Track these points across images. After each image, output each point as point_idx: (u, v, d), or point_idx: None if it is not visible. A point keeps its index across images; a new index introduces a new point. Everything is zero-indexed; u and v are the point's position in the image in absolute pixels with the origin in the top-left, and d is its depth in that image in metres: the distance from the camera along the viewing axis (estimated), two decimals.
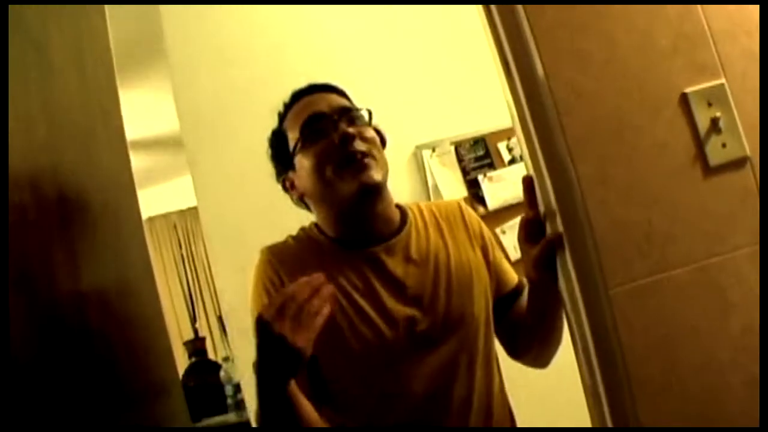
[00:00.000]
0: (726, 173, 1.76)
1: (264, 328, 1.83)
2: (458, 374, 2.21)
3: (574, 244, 1.76)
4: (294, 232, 2.40)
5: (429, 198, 4.65)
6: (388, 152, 4.58)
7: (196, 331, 10.93)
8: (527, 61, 1.80)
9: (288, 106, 2.39)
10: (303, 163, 2.26)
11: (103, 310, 1.62)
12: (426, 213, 2.45)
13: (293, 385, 1.93)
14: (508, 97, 1.90)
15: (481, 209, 4.74)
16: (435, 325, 2.21)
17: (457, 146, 4.84)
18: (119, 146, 1.75)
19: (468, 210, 2.54)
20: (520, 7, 1.78)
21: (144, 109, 6.86)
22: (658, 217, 1.73)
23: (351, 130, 2.22)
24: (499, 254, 2.49)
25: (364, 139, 2.25)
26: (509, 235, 4.61)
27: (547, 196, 1.83)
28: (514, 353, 2.49)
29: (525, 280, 2.40)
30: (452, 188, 4.73)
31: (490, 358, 2.32)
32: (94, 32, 1.79)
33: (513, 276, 2.49)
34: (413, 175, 4.76)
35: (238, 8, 4.65)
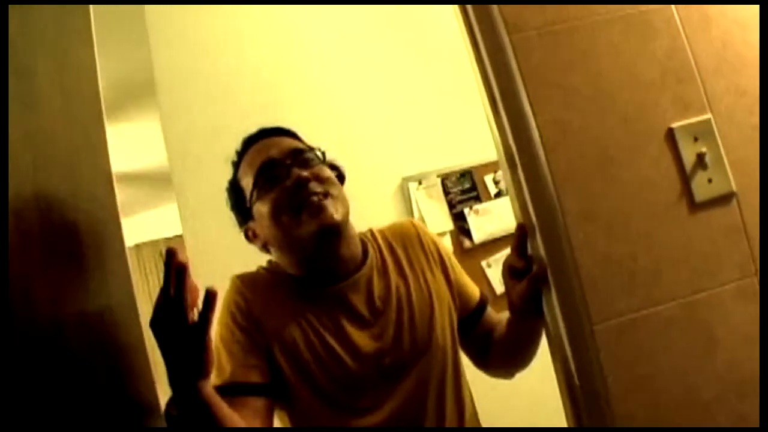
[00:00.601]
0: (712, 209, 1.76)
1: (154, 328, 1.76)
2: (428, 405, 2.20)
3: (559, 280, 1.76)
4: None
5: None
6: (375, 184, 4.59)
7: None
8: (514, 97, 1.80)
9: (240, 155, 2.36)
10: (261, 211, 2.23)
11: (84, 336, 1.61)
12: (381, 241, 2.43)
13: (207, 388, 1.85)
14: (494, 132, 1.90)
15: (467, 242, 4.74)
16: (401, 358, 2.20)
17: (444, 179, 4.84)
18: (104, 175, 1.74)
19: (423, 229, 2.52)
20: (508, 45, 1.79)
21: (134, 140, 6.87)
22: (643, 253, 1.73)
23: (305, 173, 2.18)
24: (459, 271, 2.48)
25: (320, 180, 2.21)
26: (495, 268, 4.62)
27: (533, 231, 1.83)
28: (483, 365, 2.49)
29: (486, 294, 2.48)
30: (438, 221, 4.73)
31: (460, 386, 2.31)
32: (81, 62, 1.78)
33: (475, 291, 2.49)
34: (399, 207, 4.76)
35: (227, 42, 4.66)
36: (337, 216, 2.16)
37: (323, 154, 2.34)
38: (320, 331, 2.16)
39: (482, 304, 2.46)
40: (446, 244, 4.66)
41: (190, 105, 4.49)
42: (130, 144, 7.05)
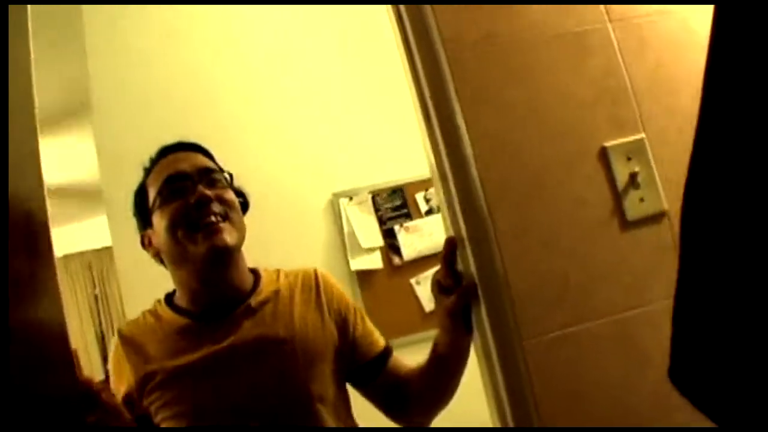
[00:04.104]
0: (644, 227, 1.79)
1: None
2: None
3: (490, 295, 1.76)
4: None
5: (345, 246, 4.64)
6: (305, 198, 4.58)
7: (107, 372, 10.74)
8: (448, 112, 1.80)
9: (154, 162, 2.35)
10: (158, 221, 2.22)
11: (13, 351, 1.57)
12: (282, 281, 2.37)
13: None
14: (427, 147, 1.89)
15: (397, 259, 4.74)
16: (273, 401, 2.12)
17: (375, 195, 4.83)
18: (35, 181, 1.70)
19: (326, 280, 2.44)
20: (444, 59, 1.79)
21: (64, 149, 6.79)
22: (575, 270, 1.74)
23: (208, 192, 2.18)
24: (361, 322, 2.40)
25: (222, 202, 2.21)
26: (424, 285, 4.62)
27: (464, 247, 1.82)
28: (398, 413, 2.41)
29: (391, 346, 2.40)
30: (368, 237, 4.72)
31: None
32: (15, 60, 1.75)
33: (379, 341, 2.41)
34: (329, 223, 4.74)
35: (165, 53, 4.62)
36: (230, 240, 2.17)
37: (231, 178, 2.35)
38: (193, 364, 2.12)
39: (385, 352, 2.39)
40: (377, 261, 4.68)
41: (125, 114, 4.45)
42: (60, 153, 6.97)
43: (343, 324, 2.34)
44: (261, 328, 2.20)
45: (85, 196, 8.29)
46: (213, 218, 2.16)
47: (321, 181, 4.74)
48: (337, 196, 4.77)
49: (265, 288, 2.30)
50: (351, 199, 4.77)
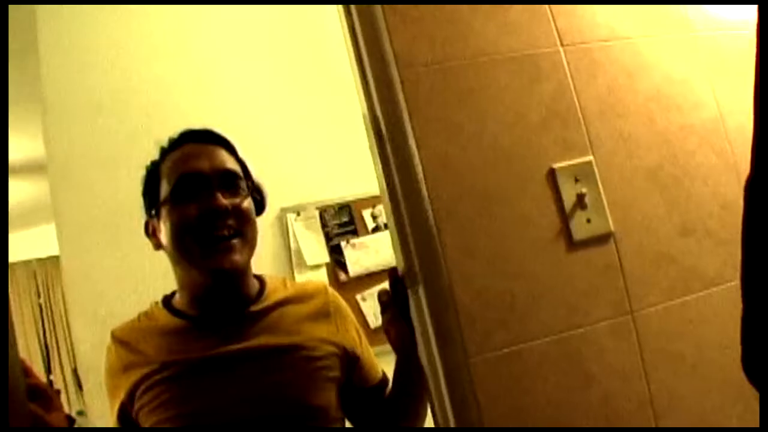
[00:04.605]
0: (590, 248, 1.81)
1: None
2: None
3: (437, 313, 1.76)
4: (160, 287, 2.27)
5: (291, 261, 4.63)
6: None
7: (50, 383, 10.60)
8: (400, 131, 1.81)
9: (173, 145, 2.20)
10: (167, 219, 2.08)
11: None
12: (290, 289, 2.30)
13: None
14: (377, 165, 1.90)
15: (343, 275, 4.73)
16: (282, 413, 2.05)
17: (322, 211, 4.82)
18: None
19: (336, 297, 2.37)
20: (397, 79, 1.80)
21: (11, 155, 6.70)
22: (521, 289, 1.76)
23: (225, 202, 2.06)
24: (366, 346, 2.36)
25: (238, 214, 2.09)
26: (369, 302, 4.61)
27: (412, 264, 1.83)
28: None
29: (387, 376, 2.35)
30: (315, 253, 4.71)
31: None
32: None
33: (378, 368, 2.38)
34: (276, 238, 4.72)
35: (120, 60, 4.58)
36: (240, 260, 2.07)
37: (251, 178, 2.27)
38: (193, 370, 2.04)
39: (385, 380, 2.36)
40: (322, 277, 4.67)
41: (77, 119, 4.39)
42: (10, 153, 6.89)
43: (350, 343, 2.28)
44: (264, 336, 2.12)
45: (30, 202, 8.21)
46: (226, 232, 2.06)
47: (269, 196, 4.72)
48: (284, 211, 4.76)
49: (271, 295, 2.23)
50: (299, 214, 4.76)
